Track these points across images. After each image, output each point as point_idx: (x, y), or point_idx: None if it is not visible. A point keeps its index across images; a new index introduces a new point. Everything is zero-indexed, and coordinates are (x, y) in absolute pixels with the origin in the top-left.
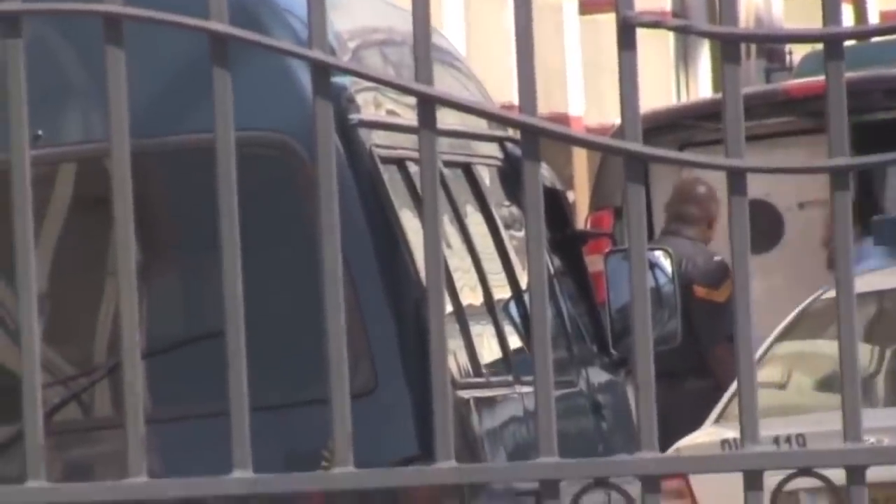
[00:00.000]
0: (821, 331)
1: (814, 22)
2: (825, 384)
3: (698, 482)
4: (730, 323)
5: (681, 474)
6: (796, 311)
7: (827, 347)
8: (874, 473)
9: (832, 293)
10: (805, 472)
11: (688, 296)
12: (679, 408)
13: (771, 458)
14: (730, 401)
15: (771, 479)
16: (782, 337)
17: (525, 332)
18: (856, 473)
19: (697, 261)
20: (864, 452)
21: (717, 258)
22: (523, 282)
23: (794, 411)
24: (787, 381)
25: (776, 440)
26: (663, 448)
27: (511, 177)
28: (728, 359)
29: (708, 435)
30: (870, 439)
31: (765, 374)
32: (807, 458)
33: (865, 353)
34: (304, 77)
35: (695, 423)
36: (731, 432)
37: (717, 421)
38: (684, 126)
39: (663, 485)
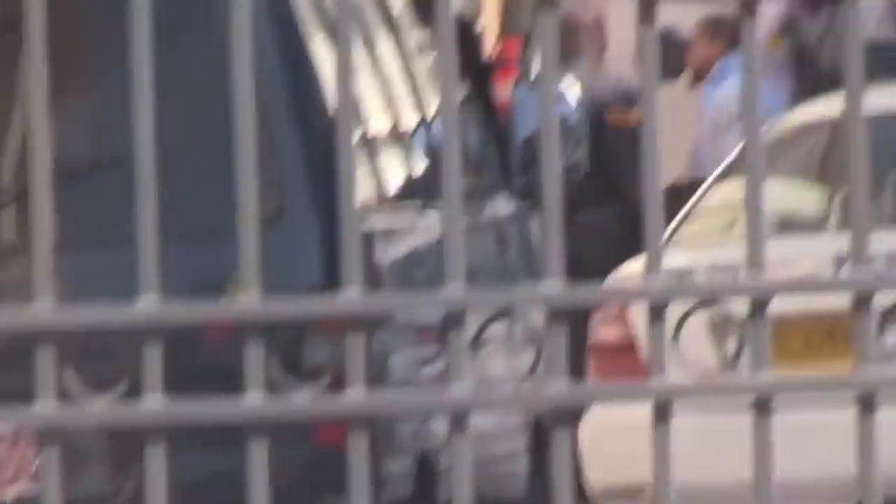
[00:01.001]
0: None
1: None
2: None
3: (635, 310)
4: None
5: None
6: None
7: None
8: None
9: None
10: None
11: (600, 122)
12: (582, 237)
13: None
14: (678, 226)
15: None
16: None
17: (434, 160)
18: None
19: (603, 85)
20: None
21: (620, 79)
22: (432, 108)
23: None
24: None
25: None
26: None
27: (422, 3)
28: None
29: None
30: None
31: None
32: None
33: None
34: None
35: (601, 251)
36: (680, 257)
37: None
38: None
39: (604, 311)
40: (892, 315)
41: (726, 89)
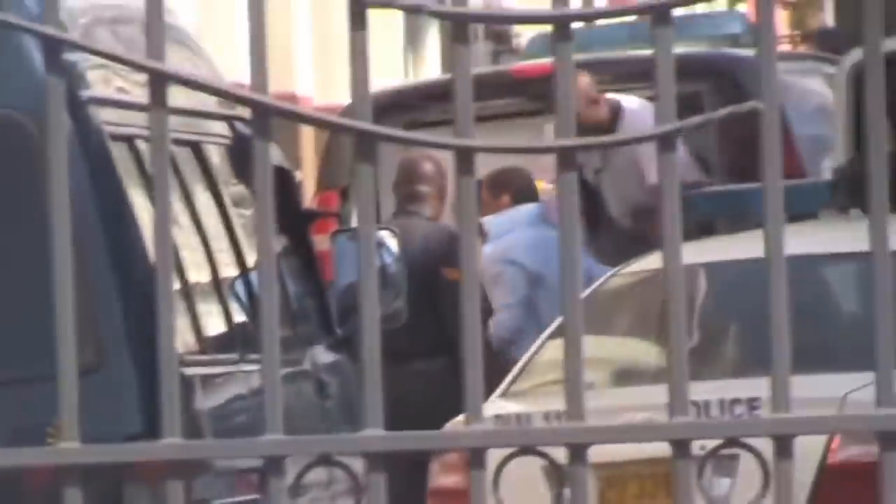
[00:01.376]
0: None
1: (543, 5)
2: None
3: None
4: (484, 305)
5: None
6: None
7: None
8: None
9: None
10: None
11: (433, 277)
12: (412, 389)
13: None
14: (516, 377)
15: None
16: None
17: (252, 310)
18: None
19: (439, 240)
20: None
21: (456, 236)
22: (251, 260)
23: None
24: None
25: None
26: (407, 426)
27: (241, 155)
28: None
29: (487, 408)
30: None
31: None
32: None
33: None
34: (36, 53)
35: (428, 404)
36: (514, 407)
37: (503, 395)
38: (412, 106)
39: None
40: (712, 459)
41: (504, 244)
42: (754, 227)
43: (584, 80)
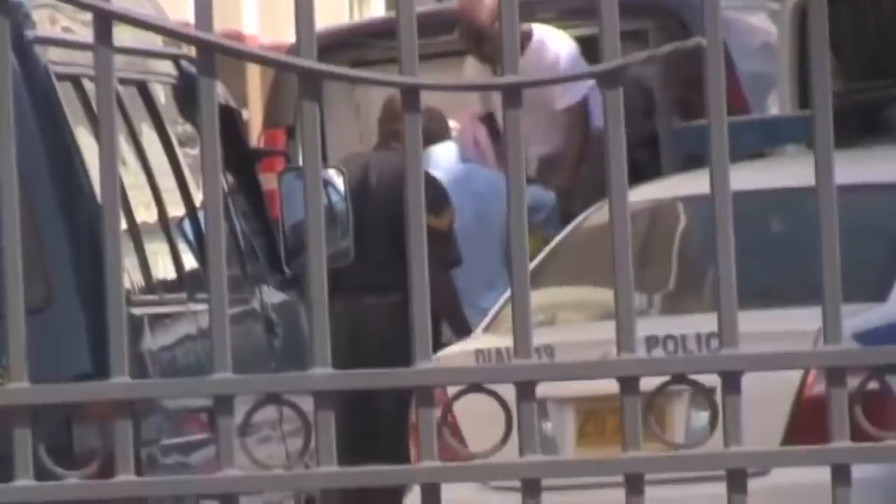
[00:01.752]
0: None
1: None
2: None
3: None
4: (448, 250)
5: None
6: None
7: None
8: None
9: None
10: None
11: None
12: (376, 322)
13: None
14: (500, 310)
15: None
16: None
17: (200, 249)
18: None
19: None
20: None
21: (434, 180)
22: (198, 200)
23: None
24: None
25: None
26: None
27: (187, 94)
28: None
29: (469, 343)
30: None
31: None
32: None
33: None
34: None
35: (389, 338)
36: (498, 341)
37: (486, 329)
38: (358, 45)
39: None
40: (655, 397)
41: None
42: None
43: (485, 8)
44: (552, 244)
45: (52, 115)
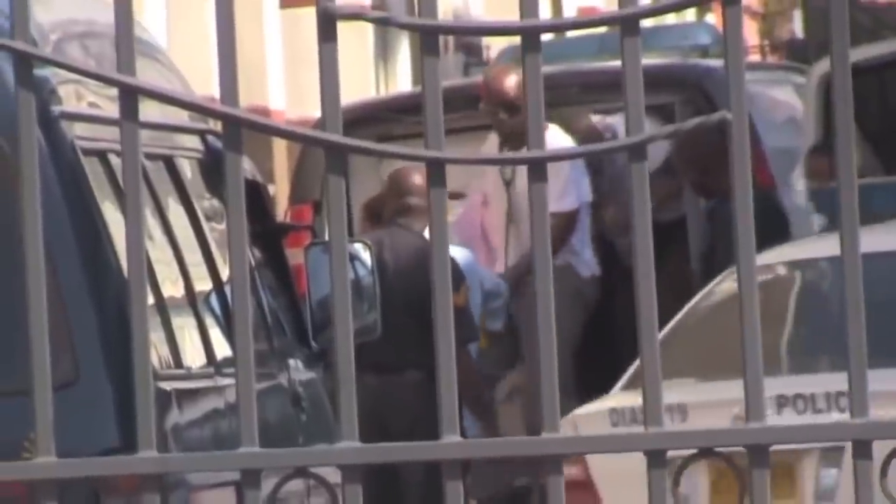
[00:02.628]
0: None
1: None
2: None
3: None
4: (466, 327)
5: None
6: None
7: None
8: None
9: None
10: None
11: (424, 291)
12: (402, 400)
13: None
14: (636, 368)
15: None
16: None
17: (227, 324)
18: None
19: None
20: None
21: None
22: (225, 274)
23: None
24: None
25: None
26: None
27: (213, 169)
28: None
29: (606, 401)
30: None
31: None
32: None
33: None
34: (7, 68)
35: (414, 414)
36: (633, 400)
37: (624, 388)
38: (384, 119)
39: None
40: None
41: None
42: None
43: (512, 81)
44: (685, 310)
45: (78, 191)
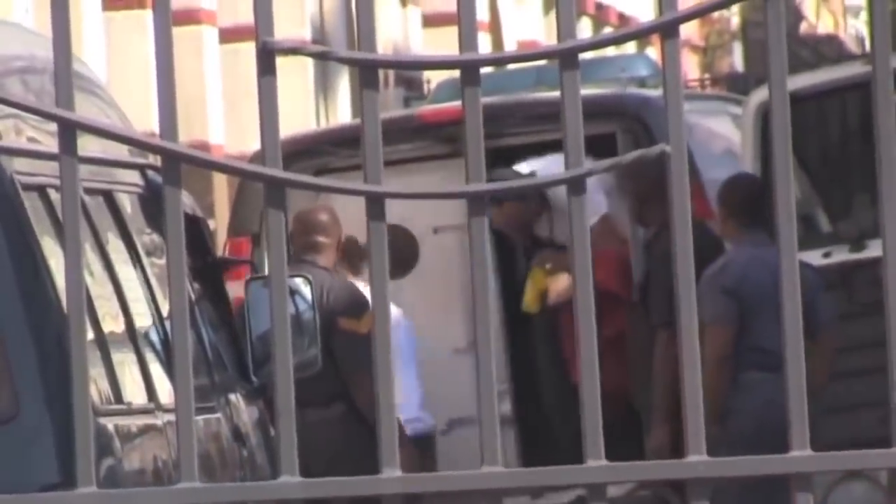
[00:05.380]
0: None
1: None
2: None
3: None
4: (370, 351)
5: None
6: None
7: None
8: None
9: None
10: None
11: (329, 327)
12: (321, 433)
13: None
14: None
15: None
16: None
17: (167, 358)
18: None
19: (336, 291)
20: None
21: (352, 287)
22: (165, 309)
23: None
24: None
25: None
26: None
27: (153, 204)
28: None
29: None
30: None
31: None
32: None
33: None
34: None
35: (330, 451)
36: None
37: None
38: (322, 152)
39: None
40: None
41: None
42: None
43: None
44: None
45: (17, 226)
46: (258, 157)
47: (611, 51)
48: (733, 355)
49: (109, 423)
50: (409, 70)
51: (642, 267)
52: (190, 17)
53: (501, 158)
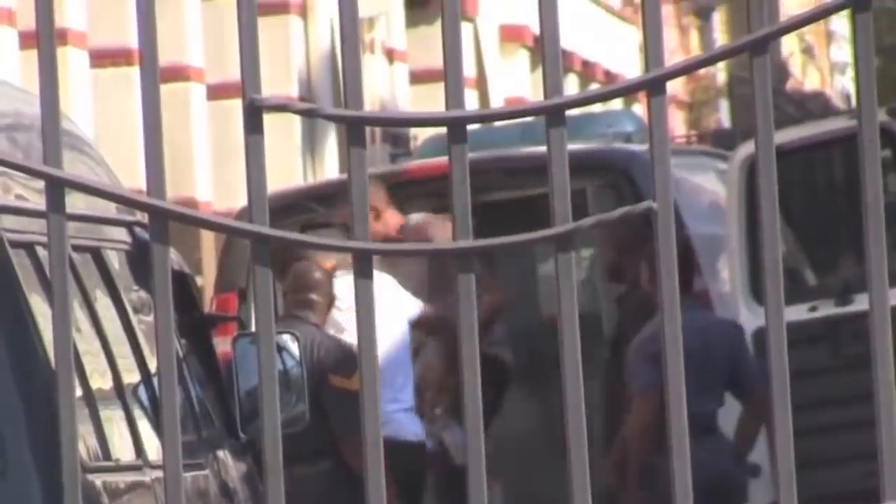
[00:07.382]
0: None
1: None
2: None
3: None
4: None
5: None
6: None
7: None
8: None
9: None
10: None
11: (319, 383)
12: (309, 488)
13: None
14: None
15: None
16: None
17: (155, 415)
18: None
19: (327, 347)
20: None
21: (343, 344)
22: (153, 365)
23: None
24: None
25: None
26: None
27: (140, 261)
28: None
29: None
30: None
31: None
32: None
33: None
34: None
35: (324, 503)
36: None
37: None
38: (308, 207)
39: None
40: None
41: None
42: None
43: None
44: None
45: (5, 283)
46: (245, 214)
47: (597, 107)
48: (661, 422)
49: (97, 480)
50: (396, 127)
51: (613, 323)
52: (177, 74)
53: (489, 214)
